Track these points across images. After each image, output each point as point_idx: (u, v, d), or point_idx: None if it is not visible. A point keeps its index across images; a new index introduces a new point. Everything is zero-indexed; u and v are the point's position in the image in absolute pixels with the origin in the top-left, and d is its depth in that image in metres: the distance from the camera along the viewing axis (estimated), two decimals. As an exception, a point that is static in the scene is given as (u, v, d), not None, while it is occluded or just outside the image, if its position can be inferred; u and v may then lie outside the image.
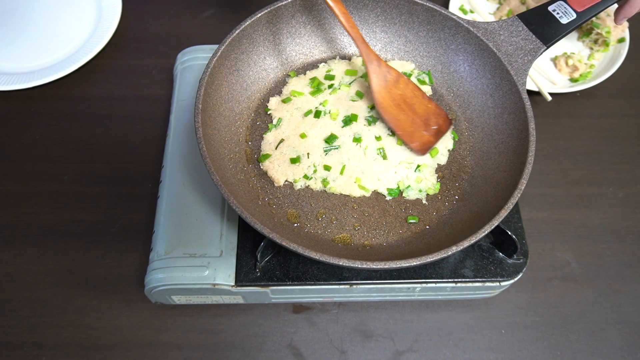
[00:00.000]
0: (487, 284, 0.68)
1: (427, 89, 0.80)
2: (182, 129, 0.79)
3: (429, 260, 0.56)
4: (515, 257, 0.69)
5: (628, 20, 0.87)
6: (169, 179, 0.75)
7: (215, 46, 0.71)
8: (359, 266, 0.55)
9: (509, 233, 0.66)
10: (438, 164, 0.74)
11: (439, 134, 0.74)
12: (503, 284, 0.69)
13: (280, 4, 0.75)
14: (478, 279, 0.68)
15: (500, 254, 0.69)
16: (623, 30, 0.98)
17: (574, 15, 0.72)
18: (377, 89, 0.73)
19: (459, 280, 0.68)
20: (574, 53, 0.99)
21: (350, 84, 0.79)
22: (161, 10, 1.11)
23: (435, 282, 0.68)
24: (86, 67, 1.02)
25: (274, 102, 0.78)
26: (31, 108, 0.94)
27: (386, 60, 0.83)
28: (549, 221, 0.85)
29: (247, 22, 0.73)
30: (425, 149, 0.73)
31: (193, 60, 0.87)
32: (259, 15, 0.74)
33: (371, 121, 0.75)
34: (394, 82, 0.74)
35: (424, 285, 0.68)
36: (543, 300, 0.78)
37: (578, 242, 0.83)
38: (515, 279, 0.69)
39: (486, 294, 0.73)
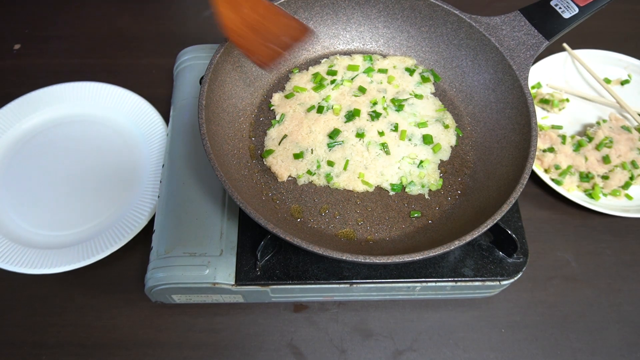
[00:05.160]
0: (487, 283, 0.68)
1: (430, 86, 0.80)
2: (182, 129, 0.79)
3: (431, 254, 0.56)
4: (515, 256, 0.69)
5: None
6: (169, 179, 0.75)
7: (216, 45, 0.71)
8: (362, 260, 0.55)
9: (509, 232, 0.66)
10: (441, 160, 0.74)
11: (289, 46, 0.71)
12: (503, 283, 0.69)
13: (282, 0, 0.75)
14: (478, 278, 0.68)
15: (500, 253, 0.70)
16: None
17: (577, 10, 0.72)
18: (225, 14, 0.67)
19: (459, 279, 0.68)
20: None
21: (352, 79, 0.79)
22: (161, 10, 1.11)
23: (435, 281, 0.68)
24: (86, 67, 1.02)
25: (277, 98, 0.78)
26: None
27: (388, 55, 0.83)
28: (549, 221, 0.85)
29: None
30: (269, 61, 0.70)
31: (193, 60, 0.87)
32: (262, 11, 0.74)
33: (374, 116, 0.75)
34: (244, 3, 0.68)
35: (424, 284, 0.68)
36: (543, 300, 0.78)
37: (578, 241, 0.83)
38: (515, 278, 0.69)
39: (486, 293, 0.73)
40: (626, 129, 0.87)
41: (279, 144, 0.74)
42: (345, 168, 0.72)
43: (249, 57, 0.70)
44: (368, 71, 0.80)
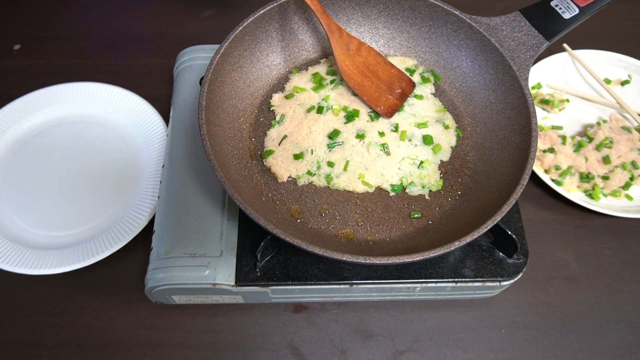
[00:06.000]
0: (487, 283, 0.68)
1: (430, 87, 0.80)
2: (182, 129, 0.79)
3: (431, 255, 0.56)
4: (515, 256, 0.69)
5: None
6: (169, 179, 0.75)
7: (216, 46, 0.71)
8: (362, 261, 0.55)
9: (509, 232, 0.66)
10: (441, 160, 0.74)
11: (403, 97, 0.77)
12: (503, 283, 0.69)
13: (283, 0, 0.75)
14: (478, 279, 0.68)
15: (501, 253, 0.70)
16: None
17: (577, 11, 0.72)
18: (340, 59, 0.76)
19: (459, 280, 0.68)
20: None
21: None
22: (161, 10, 1.11)
23: (436, 282, 0.68)
24: (86, 67, 1.02)
25: (276, 99, 0.78)
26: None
27: (388, 55, 0.83)
28: (549, 221, 0.85)
29: (250, 19, 0.73)
30: (391, 111, 0.76)
31: (193, 60, 0.87)
32: (262, 12, 0.74)
33: (374, 117, 0.75)
34: (356, 51, 0.77)
35: (424, 285, 0.68)
36: (543, 300, 0.78)
37: (578, 242, 0.83)
38: (516, 279, 0.69)
39: (486, 293, 0.73)
40: (626, 129, 0.87)
41: (279, 145, 0.74)
42: (345, 169, 0.71)
43: (374, 107, 0.76)
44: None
